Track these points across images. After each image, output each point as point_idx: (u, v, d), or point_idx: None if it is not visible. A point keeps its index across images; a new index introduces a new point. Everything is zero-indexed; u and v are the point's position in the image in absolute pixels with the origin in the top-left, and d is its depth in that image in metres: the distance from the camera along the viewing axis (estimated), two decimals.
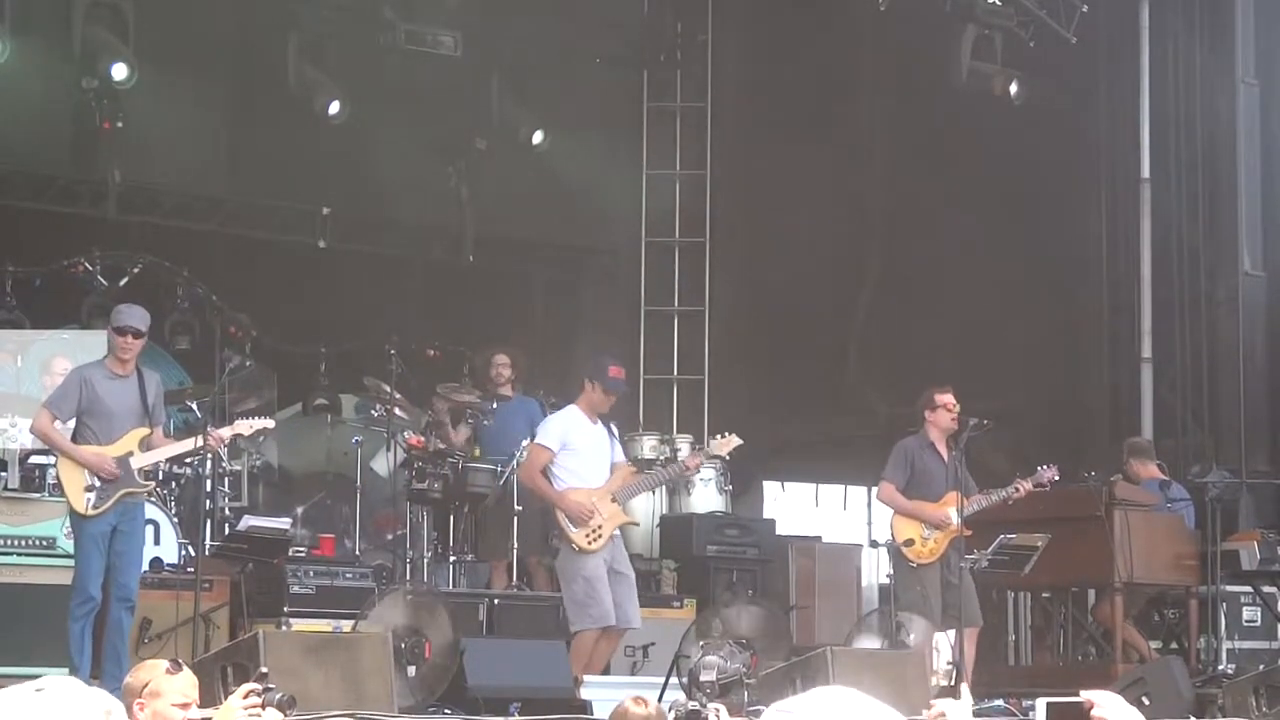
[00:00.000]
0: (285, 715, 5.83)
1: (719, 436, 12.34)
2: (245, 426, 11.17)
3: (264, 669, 6.40)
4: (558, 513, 11.74)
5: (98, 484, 10.54)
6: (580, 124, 16.28)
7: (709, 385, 17.45)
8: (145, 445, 10.73)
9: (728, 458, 12.69)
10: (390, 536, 14.35)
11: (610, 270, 17.97)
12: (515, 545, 13.04)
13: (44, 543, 11.35)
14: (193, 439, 11.05)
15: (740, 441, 12.18)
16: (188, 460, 12.17)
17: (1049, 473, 12.68)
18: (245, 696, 5.70)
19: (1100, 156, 17.31)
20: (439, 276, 16.89)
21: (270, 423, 11.54)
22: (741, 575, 14.61)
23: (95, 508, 10.51)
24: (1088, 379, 17.40)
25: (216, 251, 15.51)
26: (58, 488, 11.33)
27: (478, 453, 13.75)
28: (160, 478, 12.17)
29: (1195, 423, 16.64)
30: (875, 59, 17.09)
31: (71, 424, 10.74)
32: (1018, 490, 12.57)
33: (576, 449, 11.86)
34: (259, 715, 5.68)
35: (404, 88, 15.54)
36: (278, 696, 5.78)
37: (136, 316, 10.83)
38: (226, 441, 11.34)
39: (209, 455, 11.65)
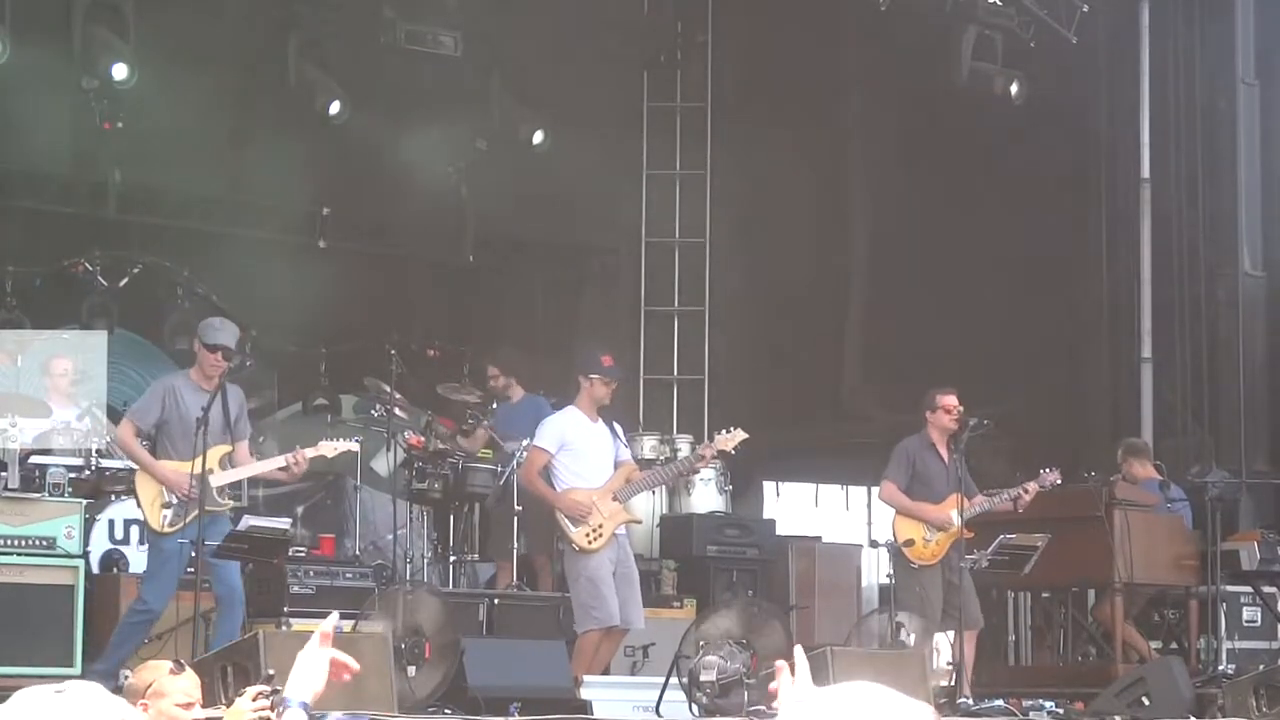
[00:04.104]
0: None
1: (724, 432, 12.26)
2: (329, 448, 10.96)
3: (271, 671, 6.40)
4: (558, 513, 11.73)
5: (175, 501, 10.46)
6: (580, 124, 16.25)
7: (709, 385, 17.45)
8: (227, 462, 10.64)
9: (734, 452, 12.62)
10: (390, 536, 14.34)
11: (610, 270, 17.96)
12: (517, 545, 13.04)
13: (44, 543, 11.31)
14: (274, 459, 10.89)
15: (746, 435, 12.07)
16: None
17: (1051, 476, 12.64)
18: (254, 699, 5.70)
19: (1100, 156, 17.30)
20: (439, 276, 16.88)
21: (355, 445, 11.36)
22: (741, 575, 14.62)
23: (171, 525, 10.46)
24: (1088, 379, 17.38)
25: (216, 251, 15.49)
26: (58, 488, 11.33)
27: (490, 453, 13.71)
28: None
29: (1195, 423, 16.63)
30: (876, 59, 17.07)
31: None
32: (1024, 494, 12.52)
33: (577, 449, 11.82)
34: (268, 718, 5.68)
35: (404, 88, 15.53)
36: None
37: (229, 334, 10.61)
38: (309, 462, 10.92)
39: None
